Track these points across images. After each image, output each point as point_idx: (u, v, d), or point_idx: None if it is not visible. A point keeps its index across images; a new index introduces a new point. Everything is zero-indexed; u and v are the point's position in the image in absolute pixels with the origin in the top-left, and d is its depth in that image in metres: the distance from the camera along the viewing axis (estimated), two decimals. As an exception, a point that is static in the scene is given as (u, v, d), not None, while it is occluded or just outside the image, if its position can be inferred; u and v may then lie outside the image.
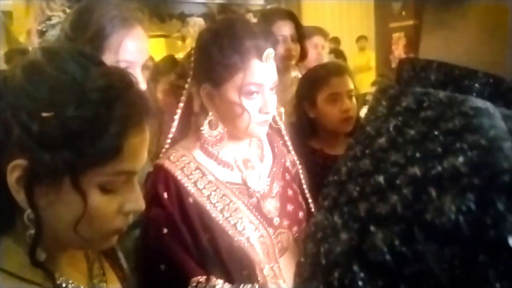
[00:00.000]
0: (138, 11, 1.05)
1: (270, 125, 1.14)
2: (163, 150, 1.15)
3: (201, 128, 1.11)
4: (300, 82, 1.74)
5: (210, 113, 1.10)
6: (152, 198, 1.05)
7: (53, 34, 1.00)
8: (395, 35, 5.84)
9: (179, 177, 1.07)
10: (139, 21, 1.04)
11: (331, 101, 1.58)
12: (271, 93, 1.09)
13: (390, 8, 5.79)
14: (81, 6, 1.03)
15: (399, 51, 5.78)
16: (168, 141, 1.15)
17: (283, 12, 2.04)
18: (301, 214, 1.21)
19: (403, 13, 5.77)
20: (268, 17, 1.95)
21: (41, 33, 1.01)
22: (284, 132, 1.25)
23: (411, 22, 5.69)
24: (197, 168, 1.10)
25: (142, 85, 0.98)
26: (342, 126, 1.60)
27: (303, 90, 1.64)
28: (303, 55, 2.05)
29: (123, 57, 0.99)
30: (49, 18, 1.00)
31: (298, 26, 2.00)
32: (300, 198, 1.24)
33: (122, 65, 0.95)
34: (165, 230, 1.04)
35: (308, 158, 1.43)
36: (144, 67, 1.05)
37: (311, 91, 1.59)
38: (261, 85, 1.06)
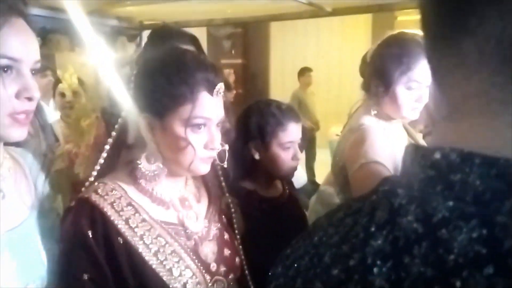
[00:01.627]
0: (20, 1, 0.88)
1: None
2: (87, 183, 1.01)
3: (138, 162, 1.00)
4: (245, 121, 1.53)
5: (148, 146, 1.00)
6: (74, 236, 0.91)
7: None
8: (226, 71, 6.33)
9: (108, 213, 0.94)
10: (21, 12, 0.86)
11: (285, 148, 1.50)
12: (217, 129, 1.03)
13: (221, 46, 6.26)
14: None
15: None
16: (94, 173, 1.02)
17: (183, 35, 1.67)
18: (237, 260, 1.14)
19: (233, 51, 6.33)
20: (161, 37, 1.60)
21: None
22: (219, 173, 1.18)
23: (239, 61, 6.23)
24: (129, 204, 0.98)
25: (36, 93, 0.84)
26: (289, 173, 1.54)
27: (253, 131, 1.50)
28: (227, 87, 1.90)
29: (2, 52, 0.81)
30: None
31: (200, 52, 1.64)
32: (236, 243, 1.17)
33: (4, 63, 0.80)
34: (86, 276, 0.90)
35: (244, 200, 1.35)
36: (37, 70, 0.88)
37: (265, 134, 1.48)
38: (209, 120, 0.99)
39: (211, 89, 0.98)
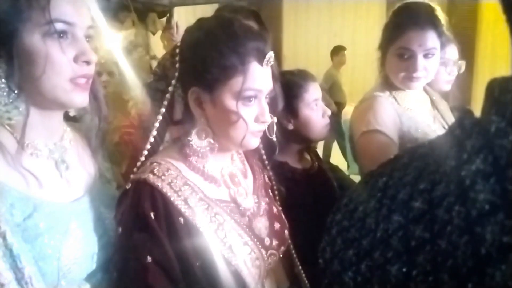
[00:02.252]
0: None
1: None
2: (138, 163, 0.99)
3: (189, 139, 0.97)
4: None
5: (198, 121, 0.98)
6: (135, 219, 0.89)
7: None
8: None
9: (168, 194, 0.91)
10: None
11: (313, 108, 1.52)
12: (266, 101, 0.99)
13: None
14: None
15: None
16: (145, 152, 0.99)
17: (246, 11, 1.71)
18: (286, 232, 1.13)
19: None
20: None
21: None
22: (261, 145, 1.14)
23: None
24: (185, 183, 0.95)
25: (93, 56, 0.85)
26: (324, 132, 1.56)
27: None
28: None
29: (56, 15, 0.80)
30: None
31: (262, 29, 1.70)
32: (283, 215, 1.16)
33: (60, 27, 0.80)
34: (150, 259, 0.87)
35: (277, 172, 1.34)
36: (89, 36, 0.88)
37: (290, 101, 1.48)
38: (260, 91, 0.95)
39: (261, 59, 0.94)
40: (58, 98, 0.84)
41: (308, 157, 1.63)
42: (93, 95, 0.93)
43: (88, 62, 0.84)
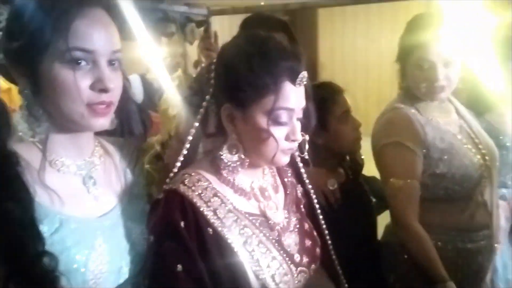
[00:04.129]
0: None
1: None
2: (171, 174, 1.01)
3: (220, 153, 0.99)
4: None
5: (229, 137, 0.99)
6: (166, 228, 0.91)
7: None
8: None
9: (197, 204, 0.94)
10: (96, 2, 0.86)
11: (343, 120, 1.51)
12: (298, 120, 0.99)
13: None
14: None
15: None
16: (178, 164, 1.02)
17: (275, 21, 1.72)
18: (317, 250, 1.12)
19: None
20: (253, 26, 1.65)
21: None
22: (297, 160, 1.15)
23: None
24: (215, 194, 0.97)
25: (110, 84, 0.84)
26: (355, 145, 1.54)
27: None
28: None
29: (75, 43, 0.81)
30: None
31: (291, 39, 1.66)
32: (315, 232, 1.15)
33: (77, 56, 0.81)
34: (180, 267, 0.89)
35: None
36: (115, 60, 0.88)
37: (318, 114, 1.48)
38: (291, 110, 0.96)
39: (294, 78, 0.94)
40: (75, 121, 0.86)
41: (343, 172, 1.60)
42: (126, 116, 0.95)
43: (104, 90, 0.85)
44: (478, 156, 1.49)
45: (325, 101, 1.49)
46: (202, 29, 3.32)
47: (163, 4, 2.73)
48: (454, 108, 1.61)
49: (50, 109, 0.85)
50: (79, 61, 0.82)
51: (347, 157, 1.65)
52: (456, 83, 1.50)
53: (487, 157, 1.50)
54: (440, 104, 1.55)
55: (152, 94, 2.58)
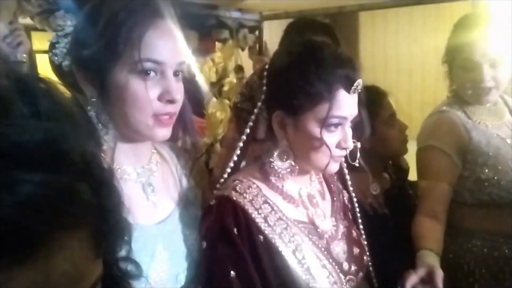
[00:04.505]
0: (167, 2, 0.89)
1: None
2: (221, 180, 1.03)
3: (270, 160, 1.00)
4: None
5: (280, 144, 1.00)
6: (219, 233, 0.92)
7: (64, 45, 0.87)
8: None
9: (249, 211, 0.94)
10: (167, 12, 0.87)
11: (389, 124, 1.50)
12: (350, 127, 0.98)
13: None
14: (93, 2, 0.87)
15: None
16: (228, 170, 1.03)
17: (318, 25, 1.70)
18: (365, 258, 1.11)
19: None
20: (297, 30, 1.67)
21: (52, 46, 0.88)
22: (344, 166, 1.14)
23: None
24: (265, 201, 0.97)
25: (178, 95, 0.86)
26: (402, 148, 1.53)
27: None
28: None
29: (146, 55, 0.82)
30: (59, 29, 0.88)
31: (335, 42, 1.63)
32: (362, 240, 1.14)
33: (148, 67, 0.82)
34: (233, 273, 0.90)
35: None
36: (179, 71, 0.89)
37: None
38: (345, 118, 0.95)
39: (348, 86, 0.93)
40: (140, 131, 0.87)
41: (388, 178, 1.58)
42: (183, 126, 0.96)
43: (171, 101, 0.86)
44: None
45: (371, 104, 1.46)
46: (255, 34, 3.32)
47: (217, 10, 2.76)
48: (510, 111, 1.56)
49: (116, 118, 0.86)
50: (149, 72, 0.83)
51: (390, 162, 1.63)
52: (505, 84, 1.45)
53: None
54: (490, 107, 1.51)
55: (202, 98, 2.62)
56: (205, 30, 2.63)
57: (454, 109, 1.50)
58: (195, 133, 1.02)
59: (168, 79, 0.85)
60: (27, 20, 1.82)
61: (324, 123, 0.93)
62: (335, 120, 0.93)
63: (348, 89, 0.93)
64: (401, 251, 1.39)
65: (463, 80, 1.45)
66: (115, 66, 0.82)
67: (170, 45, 0.86)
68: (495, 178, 1.41)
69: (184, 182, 1.03)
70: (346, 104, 0.94)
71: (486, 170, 1.42)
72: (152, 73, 0.84)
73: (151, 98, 0.84)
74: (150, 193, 0.93)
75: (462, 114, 1.49)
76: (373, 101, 1.47)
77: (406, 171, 1.67)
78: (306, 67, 0.93)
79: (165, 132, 0.89)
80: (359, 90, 0.96)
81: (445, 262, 1.48)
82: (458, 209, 1.51)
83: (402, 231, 1.42)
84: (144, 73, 0.83)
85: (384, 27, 7.14)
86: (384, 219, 1.43)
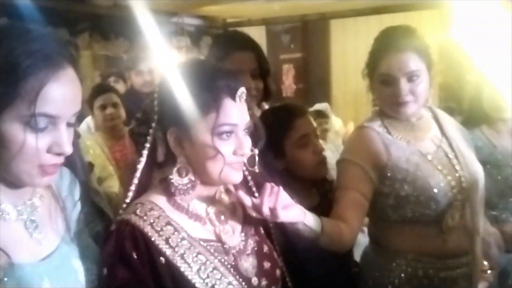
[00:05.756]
0: (70, 46, 0.86)
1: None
2: (124, 205, 1.02)
3: (170, 177, 1.00)
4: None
5: (178, 160, 1.00)
6: (119, 258, 0.92)
7: None
8: (285, 66, 6.29)
9: (149, 234, 0.94)
10: (69, 60, 0.82)
11: (301, 145, 1.46)
12: (245, 134, 1.01)
13: (280, 41, 6.22)
14: None
15: (289, 81, 6.31)
16: (130, 194, 1.03)
17: (243, 40, 1.70)
18: (278, 272, 1.11)
19: (292, 46, 6.27)
20: (222, 46, 1.69)
21: None
22: (251, 183, 1.15)
23: (299, 55, 6.26)
24: (168, 223, 0.98)
25: (68, 148, 0.81)
26: (318, 171, 1.49)
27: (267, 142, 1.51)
28: (266, 94, 1.72)
29: (42, 109, 0.76)
30: None
31: (260, 58, 1.67)
32: (275, 254, 1.14)
33: (41, 122, 0.77)
34: None
35: None
36: (71, 123, 0.85)
37: (275, 139, 1.43)
38: (235, 125, 0.98)
39: (233, 94, 0.97)
40: (22, 180, 0.83)
41: (316, 192, 1.55)
42: (70, 162, 0.92)
43: (61, 154, 0.82)
44: (449, 178, 1.43)
45: (280, 125, 1.45)
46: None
47: (176, 17, 2.71)
48: (438, 124, 1.56)
49: None
50: (42, 126, 0.78)
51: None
52: (424, 97, 1.45)
53: (463, 179, 1.44)
54: (414, 121, 1.51)
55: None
56: (165, 38, 2.62)
57: (376, 124, 1.50)
58: (84, 162, 0.98)
59: (60, 131, 0.81)
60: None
61: (214, 131, 0.96)
62: (226, 128, 0.97)
63: (233, 97, 0.98)
64: (332, 265, 1.38)
65: (383, 94, 1.46)
66: (7, 115, 0.76)
67: (68, 97, 0.81)
68: (414, 195, 1.41)
69: (70, 209, 0.99)
70: (233, 111, 0.98)
71: (406, 187, 1.41)
72: (45, 126, 0.79)
73: (40, 150, 0.79)
74: (34, 230, 0.88)
75: (383, 130, 1.49)
76: (283, 121, 1.47)
77: (330, 182, 1.64)
78: (191, 82, 0.97)
79: (48, 180, 0.86)
80: (244, 98, 1.00)
81: (371, 280, 1.49)
82: (384, 227, 1.51)
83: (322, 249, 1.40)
84: (36, 126, 0.77)
85: (355, 32, 7.21)
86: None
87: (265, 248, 1.11)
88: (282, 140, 1.46)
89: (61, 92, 0.79)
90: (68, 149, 0.82)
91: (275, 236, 1.19)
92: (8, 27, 0.82)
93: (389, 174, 1.43)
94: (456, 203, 1.43)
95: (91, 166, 2.20)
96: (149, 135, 1.02)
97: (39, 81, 0.76)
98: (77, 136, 0.92)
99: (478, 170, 1.50)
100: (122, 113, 2.68)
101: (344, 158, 1.48)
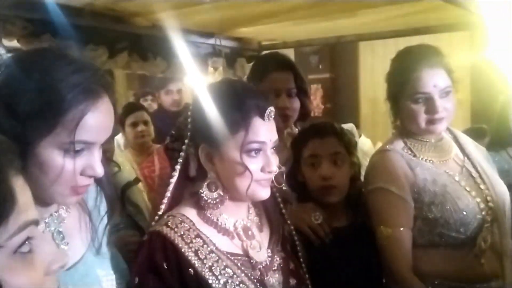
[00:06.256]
0: (107, 75, 0.89)
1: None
2: (156, 217, 1.07)
3: (200, 191, 1.04)
4: (291, 142, 1.61)
5: (208, 175, 1.04)
6: (150, 268, 0.96)
7: None
8: (313, 86, 6.32)
9: (179, 245, 0.98)
10: (106, 89, 0.86)
11: (309, 165, 1.46)
12: (273, 152, 1.05)
13: (308, 61, 6.29)
14: (25, 59, 0.84)
15: (317, 101, 6.36)
16: (162, 206, 1.07)
17: (281, 61, 1.76)
18: None
19: (320, 66, 6.40)
20: (261, 66, 1.77)
21: None
22: (279, 200, 1.18)
23: (327, 75, 6.37)
24: (197, 235, 1.01)
25: (100, 170, 0.85)
26: (323, 195, 1.45)
27: (292, 150, 1.55)
28: (304, 114, 1.77)
29: (80, 137, 0.80)
30: None
31: (297, 78, 1.73)
32: (301, 271, 1.16)
33: (78, 147, 0.81)
34: None
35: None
36: (103, 147, 0.89)
37: (295, 152, 1.51)
38: (263, 143, 1.02)
39: (262, 113, 1.01)
40: (53, 198, 0.87)
41: (350, 214, 1.50)
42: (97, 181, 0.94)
43: (93, 176, 0.86)
44: (478, 199, 1.40)
45: (299, 140, 1.52)
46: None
47: (213, 39, 2.77)
48: (459, 145, 1.54)
49: (28, 182, 0.82)
50: (79, 151, 0.82)
51: None
52: (453, 113, 1.45)
53: (489, 198, 1.41)
54: (436, 143, 1.50)
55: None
56: (200, 59, 2.67)
57: (398, 146, 1.49)
58: (111, 188, 1.01)
59: (94, 156, 0.85)
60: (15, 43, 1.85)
61: (243, 149, 0.99)
62: (254, 146, 1.00)
63: (262, 116, 1.01)
64: (354, 278, 1.37)
65: (415, 113, 1.43)
66: (42, 139, 0.80)
67: (104, 124, 0.86)
68: (443, 217, 1.37)
69: (97, 222, 1.01)
70: (262, 130, 1.01)
71: (434, 210, 1.38)
72: (81, 152, 0.83)
73: (76, 174, 0.83)
74: (61, 241, 0.92)
75: (407, 151, 1.48)
76: (301, 138, 1.52)
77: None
78: (222, 102, 1.02)
79: (75, 199, 0.89)
80: (272, 117, 1.03)
81: None
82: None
83: (355, 259, 1.39)
84: (73, 152, 0.81)
85: (383, 53, 7.20)
86: (333, 248, 1.39)
87: (291, 265, 1.13)
88: (298, 155, 1.50)
89: (98, 120, 0.84)
90: (100, 171, 0.86)
91: (302, 253, 1.20)
92: (52, 55, 0.85)
93: (417, 197, 1.40)
94: (486, 225, 1.40)
95: (136, 181, 2.26)
96: (182, 151, 1.06)
97: (79, 112, 0.80)
98: (107, 154, 0.96)
99: (504, 191, 1.47)
100: (152, 130, 2.78)
101: (379, 187, 1.43)
